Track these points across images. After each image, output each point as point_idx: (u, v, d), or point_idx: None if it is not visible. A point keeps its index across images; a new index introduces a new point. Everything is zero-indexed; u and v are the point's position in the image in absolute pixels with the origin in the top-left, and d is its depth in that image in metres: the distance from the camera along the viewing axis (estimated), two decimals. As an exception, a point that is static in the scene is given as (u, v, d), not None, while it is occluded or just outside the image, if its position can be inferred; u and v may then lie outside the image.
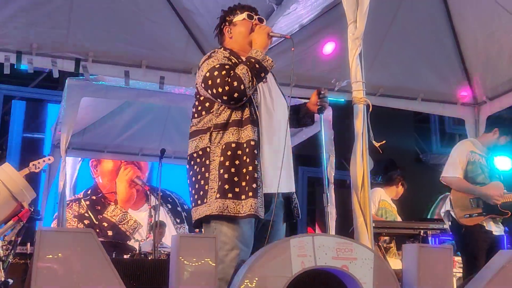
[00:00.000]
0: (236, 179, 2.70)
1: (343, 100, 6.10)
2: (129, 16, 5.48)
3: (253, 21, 3.03)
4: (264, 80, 2.93)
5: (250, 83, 2.74)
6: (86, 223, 9.63)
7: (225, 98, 2.74)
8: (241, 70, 2.76)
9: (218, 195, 2.68)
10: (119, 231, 9.93)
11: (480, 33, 5.82)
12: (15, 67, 5.43)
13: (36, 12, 5.23)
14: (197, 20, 5.55)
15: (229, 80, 2.74)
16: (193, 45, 5.81)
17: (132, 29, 5.56)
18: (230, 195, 2.68)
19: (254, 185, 2.68)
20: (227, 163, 2.71)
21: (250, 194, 2.67)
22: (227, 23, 3.08)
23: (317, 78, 5.82)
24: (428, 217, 7.18)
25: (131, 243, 7.75)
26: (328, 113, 5.83)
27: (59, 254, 1.79)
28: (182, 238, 1.96)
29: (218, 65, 2.81)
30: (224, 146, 2.75)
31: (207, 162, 2.78)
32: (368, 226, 3.00)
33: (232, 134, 2.76)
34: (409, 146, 11.82)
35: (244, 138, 2.75)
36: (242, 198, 2.68)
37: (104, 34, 5.53)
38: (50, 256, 1.78)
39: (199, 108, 2.91)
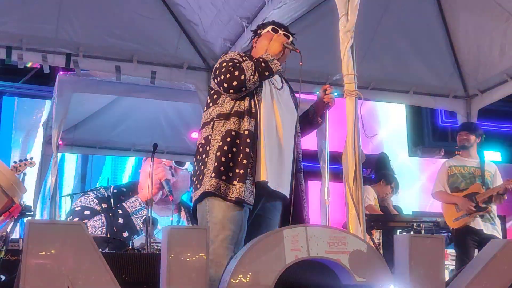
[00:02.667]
0: (231, 164, 2.80)
1: (336, 93, 6.09)
2: (120, 10, 5.46)
3: (276, 34, 3.16)
4: (274, 85, 3.09)
5: (252, 76, 2.87)
6: (103, 206, 9.71)
7: (225, 85, 2.89)
8: (246, 63, 2.92)
9: (213, 174, 2.79)
10: (130, 222, 9.95)
11: (471, 26, 5.84)
12: (5, 62, 5.41)
13: (25, 7, 5.20)
14: (189, 15, 5.53)
15: (232, 69, 2.90)
16: (184, 39, 5.80)
17: (123, 24, 5.54)
18: (224, 177, 2.78)
19: (242, 171, 2.78)
20: (225, 148, 2.82)
21: (239, 179, 2.78)
22: (256, 36, 3.26)
23: (309, 72, 5.81)
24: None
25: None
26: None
27: (48, 246, 1.78)
28: (172, 229, 1.95)
29: (228, 58, 3.01)
30: (224, 133, 2.87)
31: (207, 148, 2.90)
32: (361, 218, 3.01)
33: (234, 123, 2.88)
34: (401, 139, 11.85)
35: (243, 128, 2.87)
36: (233, 183, 2.78)
37: (94, 28, 5.51)
38: (39, 248, 1.77)
39: (209, 101, 3.08)
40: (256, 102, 2.94)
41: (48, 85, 9.14)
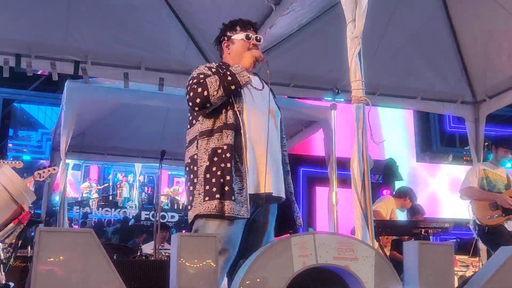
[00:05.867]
0: (221, 180, 2.76)
1: (342, 99, 6.09)
2: (128, 18, 5.48)
3: (250, 41, 3.11)
4: (256, 88, 3.02)
5: (216, 92, 2.80)
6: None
7: (190, 104, 2.86)
8: (210, 79, 2.85)
9: (207, 198, 2.76)
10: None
11: (479, 32, 5.83)
12: (14, 70, 5.43)
13: (34, 15, 5.23)
14: (196, 22, 5.55)
15: (195, 87, 2.85)
16: (192, 46, 5.81)
17: (130, 31, 5.56)
18: (217, 195, 2.75)
19: (227, 188, 2.75)
20: (213, 168, 2.79)
21: (226, 196, 2.75)
22: (226, 38, 3.17)
23: (317, 78, 5.81)
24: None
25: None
26: (327, 113, 5.81)
27: (59, 254, 1.79)
28: (182, 237, 1.96)
29: (195, 75, 2.94)
30: (210, 151, 2.83)
31: (195, 168, 2.87)
32: (369, 224, 3.00)
33: (218, 140, 2.84)
34: (409, 145, 11.83)
35: (226, 143, 2.82)
36: (225, 200, 2.75)
37: (102, 36, 5.53)
38: (50, 256, 1.78)
39: (190, 117, 3.02)
40: (237, 112, 2.87)
41: (56, 92, 9.21)
